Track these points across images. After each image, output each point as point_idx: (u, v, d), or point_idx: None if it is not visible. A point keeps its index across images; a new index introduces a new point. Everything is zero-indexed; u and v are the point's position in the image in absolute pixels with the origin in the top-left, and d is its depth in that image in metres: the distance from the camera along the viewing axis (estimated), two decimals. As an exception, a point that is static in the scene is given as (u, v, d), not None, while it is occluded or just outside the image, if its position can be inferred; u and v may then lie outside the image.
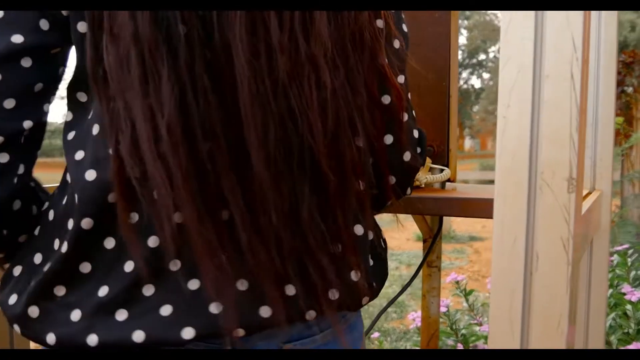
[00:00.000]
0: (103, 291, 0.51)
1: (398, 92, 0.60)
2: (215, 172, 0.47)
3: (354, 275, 0.57)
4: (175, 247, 0.48)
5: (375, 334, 2.36)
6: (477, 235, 6.83)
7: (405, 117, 0.63)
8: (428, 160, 0.98)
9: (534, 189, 0.39)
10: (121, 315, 0.51)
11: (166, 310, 0.51)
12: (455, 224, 7.20)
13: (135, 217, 0.50)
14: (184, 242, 0.47)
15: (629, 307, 1.44)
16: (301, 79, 0.48)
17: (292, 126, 0.48)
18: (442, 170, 1.01)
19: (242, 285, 0.52)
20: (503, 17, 0.40)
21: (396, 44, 0.63)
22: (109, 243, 0.52)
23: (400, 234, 7.02)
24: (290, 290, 0.53)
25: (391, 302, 1.06)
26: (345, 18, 0.53)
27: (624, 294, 1.46)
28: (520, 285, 0.40)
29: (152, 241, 0.51)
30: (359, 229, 0.59)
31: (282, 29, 0.47)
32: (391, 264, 5.05)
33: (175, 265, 0.51)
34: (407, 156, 0.63)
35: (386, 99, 0.60)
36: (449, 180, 0.98)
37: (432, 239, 1.04)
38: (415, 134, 0.67)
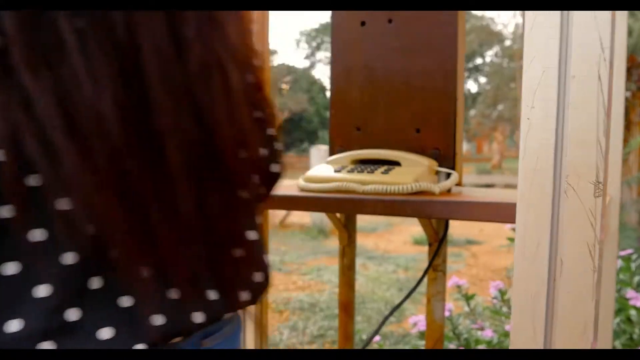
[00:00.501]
0: (14, 326, 0.43)
1: (270, 105, 0.65)
2: (134, 176, 0.44)
3: (259, 276, 0.60)
4: (97, 261, 0.45)
5: (377, 337, 2.34)
6: (474, 239, 6.83)
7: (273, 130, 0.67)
8: (434, 163, 0.97)
9: (559, 192, 0.38)
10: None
11: (106, 333, 0.46)
12: (452, 228, 7.17)
13: (37, 234, 0.44)
14: (104, 254, 0.44)
15: (633, 312, 1.43)
16: (210, 77, 0.49)
17: (200, 123, 0.48)
18: (448, 175, 1.00)
19: (173, 293, 0.50)
20: (527, 17, 0.39)
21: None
22: (9, 268, 0.43)
23: (397, 238, 7.01)
24: (212, 294, 0.54)
25: (397, 307, 1.05)
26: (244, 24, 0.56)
27: (628, 299, 1.46)
28: (544, 291, 0.39)
29: (67, 258, 0.45)
30: (254, 234, 0.61)
31: (192, 25, 0.48)
32: (388, 267, 5.04)
33: (100, 282, 0.46)
34: (276, 168, 0.67)
35: (258, 113, 0.63)
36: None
37: (438, 243, 1.03)
38: (279, 146, 0.69)
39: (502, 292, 1.37)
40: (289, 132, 32.80)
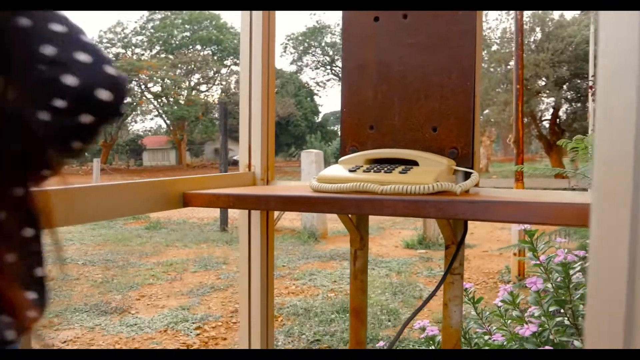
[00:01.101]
0: None
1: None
2: None
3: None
4: None
5: (381, 343, 2.31)
6: (466, 242, 6.81)
7: None
8: (452, 163, 0.93)
9: (638, 191, 0.35)
10: None
11: None
12: (443, 231, 7.17)
13: None
14: None
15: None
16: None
17: None
18: (467, 174, 0.97)
19: None
20: (603, 12, 0.36)
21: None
22: None
23: (388, 242, 6.98)
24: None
25: (417, 312, 1.01)
26: None
27: None
28: (622, 297, 0.35)
29: None
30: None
31: None
32: (381, 272, 5.00)
33: None
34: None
35: None
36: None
37: (457, 245, 0.99)
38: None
39: (514, 296, 1.34)
40: (277, 136, 32.65)
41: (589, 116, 9.21)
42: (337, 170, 0.95)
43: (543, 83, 15.41)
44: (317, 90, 39.11)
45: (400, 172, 0.89)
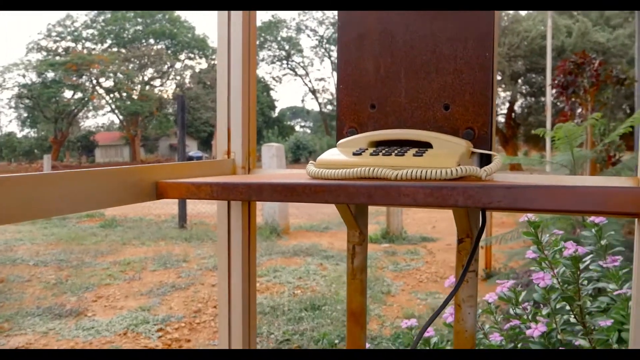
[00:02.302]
0: None
1: None
2: None
3: None
4: None
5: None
6: (429, 235, 6.78)
7: None
8: (469, 144, 0.81)
9: None
10: None
11: None
12: (406, 225, 7.13)
13: None
14: None
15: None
16: None
17: None
18: (487, 157, 0.85)
19: None
20: None
21: None
22: None
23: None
24: None
25: (435, 316, 0.89)
26: None
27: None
28: None
29: None
30: None
31: None
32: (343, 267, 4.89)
33: None
34: None
35: None
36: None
37: (474, 238, 0.88)
38: None
39: (517, 293, 1.24)
40: (233, 132, 32.30)
41: (546, 109, 9.31)
42: (339, 154, 0.82)
43: (499, 77, 15.58)
44: (273, 85, 38.82)
45: (414, 155, 0.77)
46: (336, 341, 3.03)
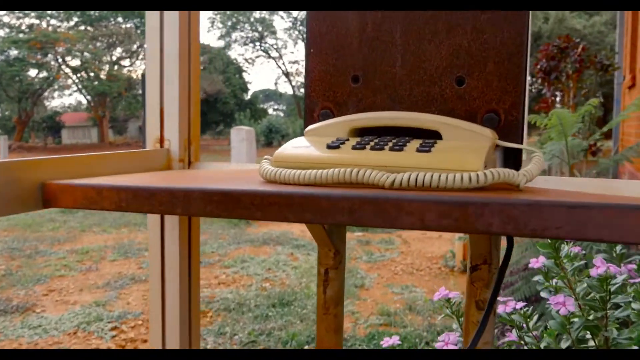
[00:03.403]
0: None
1: None
2: None
3: None
4: None
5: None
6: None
7: None
8: (494, 135, 0.57)
9: None
10: None
11: None
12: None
13: None
14: None
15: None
16: None
17: None
18: (513, 154, 0.61)
19: None
20: None
21: None
22: None
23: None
24: None
25: (486, 317, 0.64)
26: None
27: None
28: None
29: None
30: None
31: None
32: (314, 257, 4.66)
33: None
34: None
35: None
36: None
37: (500, 267, 0.63)
38: None
39: (528, 316, 1.00)
40: (204, 114, 31.89)
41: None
42: (307, 146, 0.57)
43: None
44: (246, 67, 38.22)
45: (419, 150, 0.51)
46: (306, 343, 2.79)
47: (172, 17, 0.79)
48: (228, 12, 37.86)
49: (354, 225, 0.50)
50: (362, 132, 0.60)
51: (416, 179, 0.47)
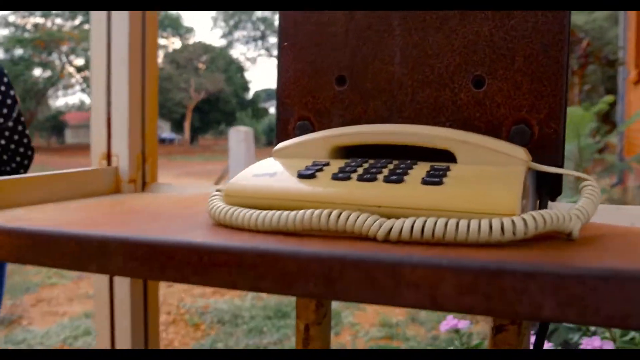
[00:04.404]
0: None
1: None
2: None
3: None
4: None
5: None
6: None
7: None
8: (527, 155, 0.41)
9: None
10: None
11: None
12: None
13: None
14: None
15: None
16: None
17: None
18: (552, 180, 0.45)
19: None
20: None
21: None
22: None
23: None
24: None
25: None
26: None
27: None
28: None
29: None
30: None
31: None
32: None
33: None
34: None
35: None
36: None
37: (539, 331, 0.48)
38: None
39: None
40: (206, 113, 31.78)
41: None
42: (270, 174, 0.41)
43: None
44: (248, 67, 38.01)
45: (425, 182, 0.36)
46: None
47: (121, 17, 0.64)
48: (230, 11, 37.75)
49: (332, 300, 0.34)
50: (349, 153, 0.45)
51: (422, 227, 0.32)
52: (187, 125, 29.40)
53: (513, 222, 0.32)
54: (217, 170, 8.43)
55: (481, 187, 0.35)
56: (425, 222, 0.32)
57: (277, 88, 0.51)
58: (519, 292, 0.28)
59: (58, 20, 30.67)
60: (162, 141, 29.96)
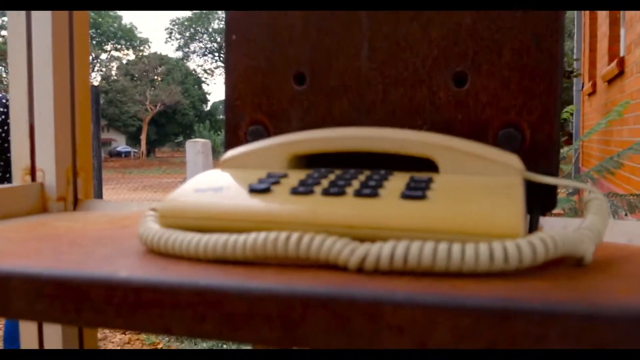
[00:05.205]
0: None
1: None
2: None
3: None
4: None
5: None
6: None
7: None
8: (520, 164, 0.35)
9: None
10: None
11: None
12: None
13: None
14: None
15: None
16: None
17: None
18: (544, 191, 0.39)
19: None
20: None
21: None
22: None
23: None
24: None
25: None
26: None
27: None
28: None
29: None
30: None
31: None
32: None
33: None
34: None
35: None
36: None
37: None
38: None
39: None
40: (162, 126, 31.41)
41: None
42: (216, 188, 0.34)
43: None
44: (205, 78, 37.75)
45: (405, 196, 0.29)
46: None
47: (43, 17, 0.56)
48: (186, 22, 37.47)
49: (292, 347, 0.27)
50: (310, 162, 0.38)
51: (405, 254, 0.25)
52: (143, 138, 28.92)
53: (518, 246, 0.25)
54: (175, 183, 8.25)
55: (474, 203, 0.29)
56: (408, 247, 0.26)
57: (225, 89, 0.44)
58: (535, 339, 0.22)
59: (4, 32, 29.93)
60: (118, 154, 29.44)
